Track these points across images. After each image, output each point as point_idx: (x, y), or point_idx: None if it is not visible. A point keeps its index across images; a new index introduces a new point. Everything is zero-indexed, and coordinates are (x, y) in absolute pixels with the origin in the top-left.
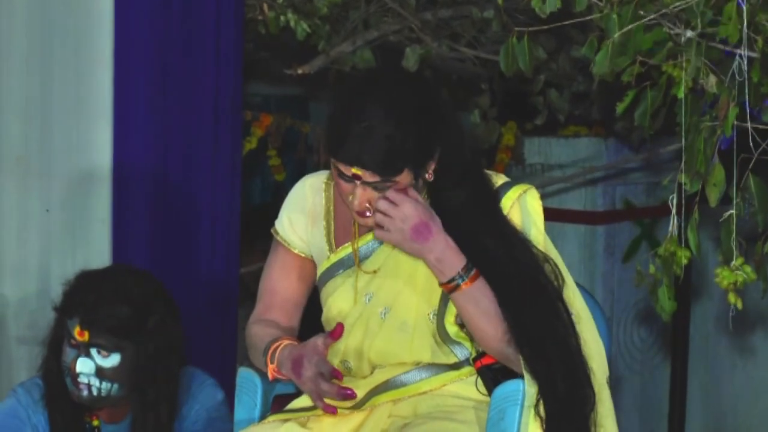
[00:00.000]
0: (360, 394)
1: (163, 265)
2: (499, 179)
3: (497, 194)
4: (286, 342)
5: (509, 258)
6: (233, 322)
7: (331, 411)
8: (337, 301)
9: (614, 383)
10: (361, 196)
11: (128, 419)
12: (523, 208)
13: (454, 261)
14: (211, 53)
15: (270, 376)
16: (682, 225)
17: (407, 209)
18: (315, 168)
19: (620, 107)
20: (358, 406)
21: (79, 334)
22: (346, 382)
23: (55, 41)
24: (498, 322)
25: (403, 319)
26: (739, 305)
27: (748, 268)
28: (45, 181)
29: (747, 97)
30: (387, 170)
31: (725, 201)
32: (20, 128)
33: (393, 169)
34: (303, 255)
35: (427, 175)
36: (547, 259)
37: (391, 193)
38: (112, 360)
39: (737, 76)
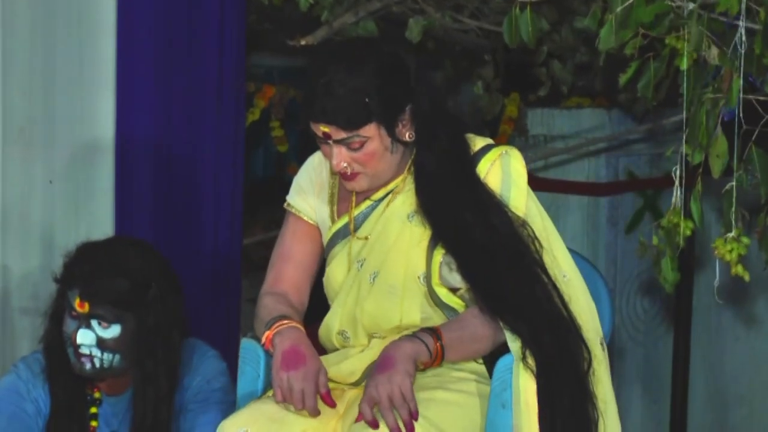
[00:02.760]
0: (359, 369)
1: (166, 236)
2: (480, 142)
3: (475, 158)
4: (295, 324)
5: (484, 226)
6: (236, 293)
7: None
8: (334, 270)
9: (617, 354)
10: (337, 155)
11: (129, 391)
12: (504, 168)
13: (415, 348)
14: (215, 24)
15: (264, 341)
16: (686, 196)
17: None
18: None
19: (623, 78)
20: (357, 384)
21: (79, 306)
22: (345, 352)
23: (59, 12)
24: (484, 332)
25: (391, 282)
26: (746, 277)
27: (745, 239)
28: (48, 152)
29: (751, 68)
30: (351, 123)
31: (729, 172)
32: (23, 99)
33: (357, 121)
34: (312, 222)
35: (407, 135)
36: (524, 224)
37: None
38: (113, 331)
39: (739, 48)
